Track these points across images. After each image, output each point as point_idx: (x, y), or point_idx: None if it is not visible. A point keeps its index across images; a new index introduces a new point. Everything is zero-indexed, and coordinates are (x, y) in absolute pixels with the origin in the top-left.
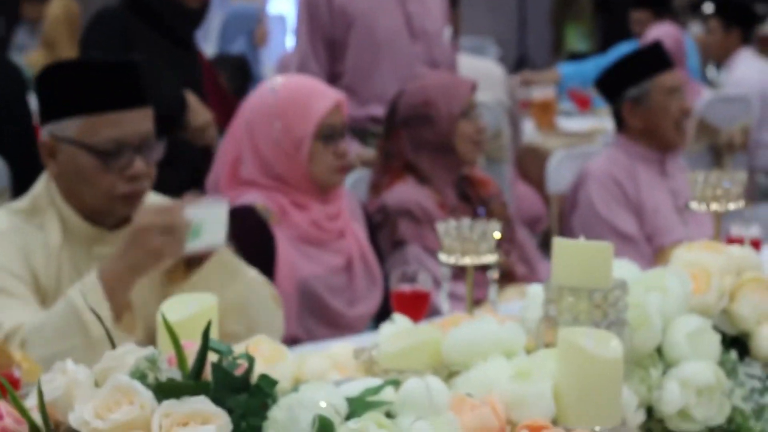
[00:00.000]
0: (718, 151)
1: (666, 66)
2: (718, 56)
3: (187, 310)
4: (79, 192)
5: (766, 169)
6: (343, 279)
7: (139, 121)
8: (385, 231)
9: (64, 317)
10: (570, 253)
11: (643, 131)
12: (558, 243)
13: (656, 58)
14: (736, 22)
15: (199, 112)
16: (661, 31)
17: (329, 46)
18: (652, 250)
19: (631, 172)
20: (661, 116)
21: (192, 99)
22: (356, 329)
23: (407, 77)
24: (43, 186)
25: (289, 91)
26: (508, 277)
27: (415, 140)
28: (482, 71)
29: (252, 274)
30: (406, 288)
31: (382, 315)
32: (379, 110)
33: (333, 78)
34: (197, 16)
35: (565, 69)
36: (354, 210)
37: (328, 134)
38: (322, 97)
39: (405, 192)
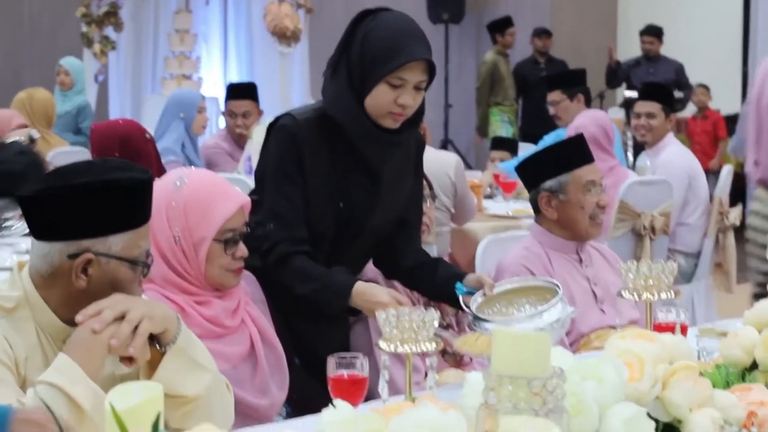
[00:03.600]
0: (640, 235)
1: (585, 160)
2: (654, 141)
3: (134, 398)
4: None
5: (686, 252)
6: (248, 368)
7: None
8: None
9: (50, 398)
10: (509, 343)
11: (558, 222)
12: (497, 333)
13: (576, 152)
14: (672, 108)
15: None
16: (587, 119)
17: None
18: (571, 339)
19: (545, 263)
20: (576, 210)
21: (359, 299)
22: (268, 419)
23: None
24: (20, 286)
25: (193, 189)
26: (459, 361)
27: None
28: (438, 159)
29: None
30: (343, 373)
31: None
32: None
33: None
34: (393, 141)
35: (503, 166)
36: (255, 291)
37: (228, 238)
38: (227, 200)
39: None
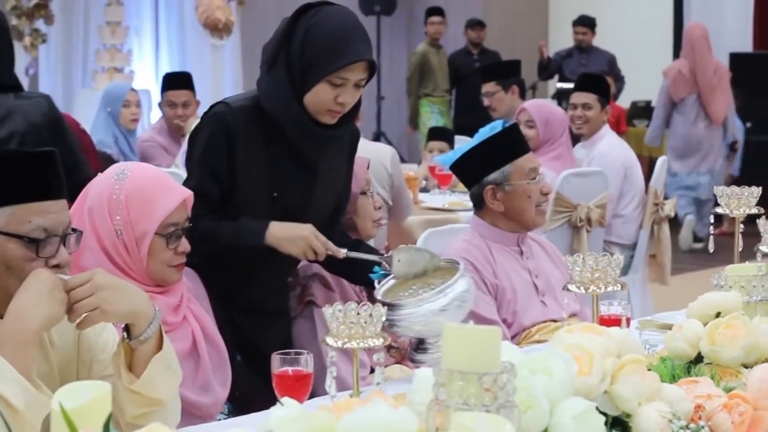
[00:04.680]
0: (576, 227)
1: (524, 149)
2: (590, 133)
3: (81, 397)
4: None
5: (621, 244)
6: (190, 365)
7: (62, 211)
8: (293, 292)
9: None
10: (459, 337)
11: (504, 214)
12: (447, 328)
13: (514, 142)
14: (608, 100)
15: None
16: (536, 108)
17: None
18: (513, 332)
19: (487, 256)
20: (523, 199)
21: (276, 232)
22: (210, 417)
23: None
24: None
25: (135, 183)
26: (404, 356)
27: None
28: (374, 151)
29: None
30: (288, 369)
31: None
32: None
33: None
34: (330, 136)
35: (438, 159)
36: (197, 288)
37: (170, 232)
38: (169, 194)
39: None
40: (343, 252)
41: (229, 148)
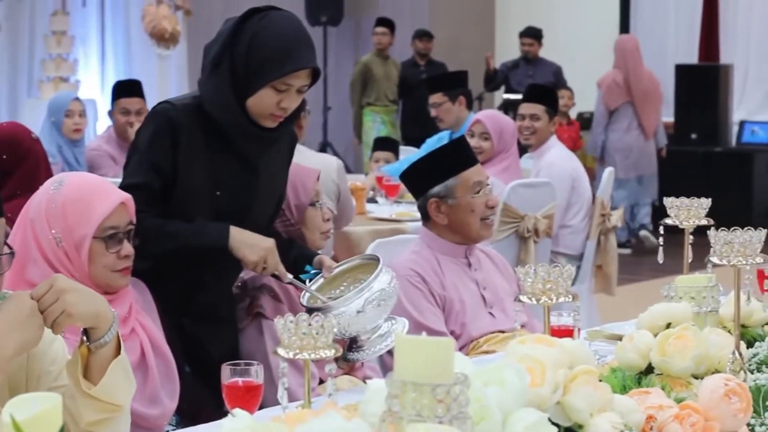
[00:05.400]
0: (524, 237)
1: (470, 162)
2: (538, 144)
3: (32, 408)
4: None
5: (568, 254)
6: (138, 377)
7: None
8: (241, 304)
9: None
10: (412, 349)
11: (448, 227)
12: (399, 339)
13: (461, 155)
14: (556, 111)
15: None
16: (491, 120)
17: None
18: (461, 343)
19: (435, 267)
20: (467, 213)
21: (239, 235)
22: (158, 428)
23: None
24: None
25: (71, 190)
26: (351, 367)
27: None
28: (321, 162)
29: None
30: (238, 380)
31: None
32: None
33: None
34: (271, 138)
35: (386, 169)
36: (145, 300)
37: (110, 235)
38: (106, 198)
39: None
40: (289, 276)
41: (173, 144)
